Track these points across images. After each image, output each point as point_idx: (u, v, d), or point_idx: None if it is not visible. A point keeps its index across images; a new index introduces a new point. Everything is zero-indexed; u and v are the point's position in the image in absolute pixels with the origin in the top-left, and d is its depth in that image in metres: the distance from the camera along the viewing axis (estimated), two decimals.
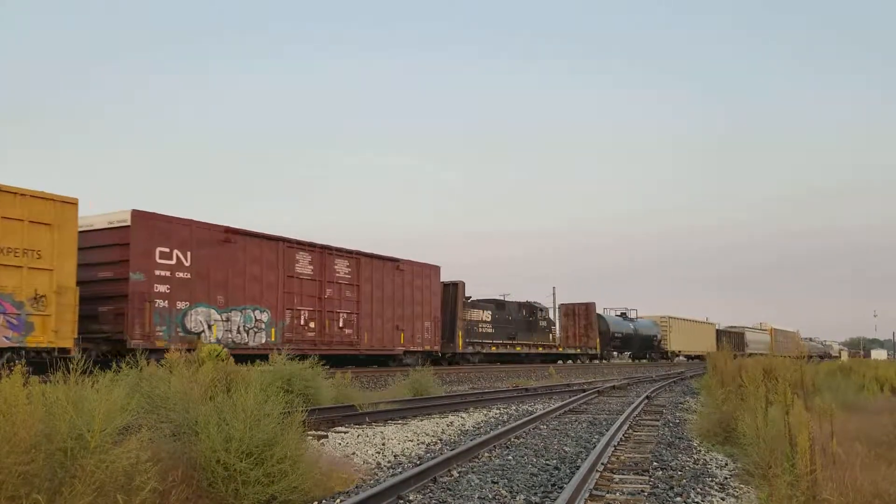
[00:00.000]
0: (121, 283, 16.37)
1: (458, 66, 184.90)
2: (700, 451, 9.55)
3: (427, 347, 27.15)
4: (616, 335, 47.46)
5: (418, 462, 8.19)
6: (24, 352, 13.35)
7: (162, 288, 16.97)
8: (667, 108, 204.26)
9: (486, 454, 8.85)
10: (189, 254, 17.77)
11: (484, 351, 32.04)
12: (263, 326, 19.84)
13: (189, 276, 17.69)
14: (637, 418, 13.40)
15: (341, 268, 23.12)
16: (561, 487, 6.77)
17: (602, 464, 7.86)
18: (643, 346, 52.29)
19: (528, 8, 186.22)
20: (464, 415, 13.80)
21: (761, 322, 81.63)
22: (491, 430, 11.24)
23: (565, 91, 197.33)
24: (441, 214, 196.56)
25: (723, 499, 6.60)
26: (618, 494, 6.59)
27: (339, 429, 10.74)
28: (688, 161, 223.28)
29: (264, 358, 14.14)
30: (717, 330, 67.48)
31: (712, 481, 7.36)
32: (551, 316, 42.62)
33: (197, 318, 17.83)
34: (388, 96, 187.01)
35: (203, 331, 17.89)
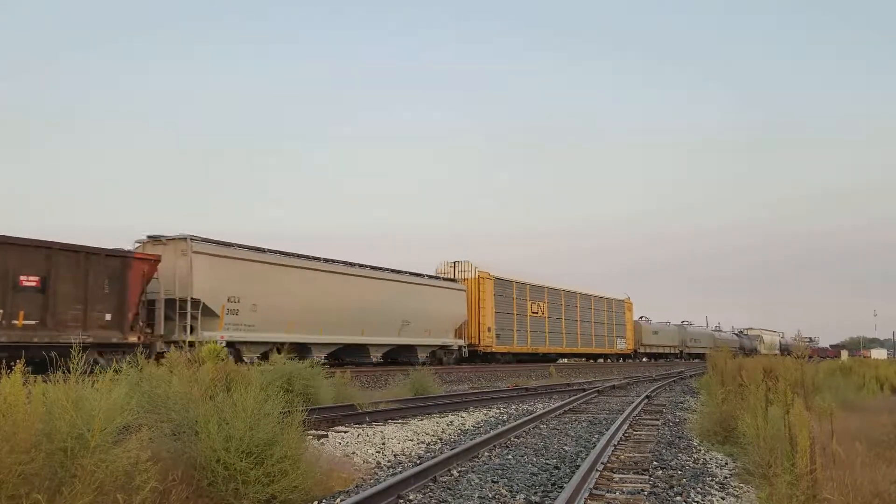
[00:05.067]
0: None
1: (455, 60, 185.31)
2: (700, 450, 9.55)
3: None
4: None
5: (418, 461, 8.19)
6: None
7: None
8: (679, 108, 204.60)
9: (486, 453, 8.85)
10: None
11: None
12: None
13: None
14: (637, 418, 13.41)
15: None
16: (561, 487, 6.77)
17: (602, 463, 7.86)
18: None
19: (549, 6, 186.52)
20: (464, 414, 13.80)
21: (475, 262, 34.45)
22: (491, 429, 11.24)
23: (579, 90, 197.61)
24: (454, 214, 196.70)
25: (723, 498, 6.60)
26: (618, 494, 6.59)
27: (339, 428, 10.74)
28: (697, 163, 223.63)
29: None
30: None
31: (712, 480, 7.36)
32: None
33: None
34: (419, 89, 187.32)
35: None
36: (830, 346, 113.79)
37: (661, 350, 58.60)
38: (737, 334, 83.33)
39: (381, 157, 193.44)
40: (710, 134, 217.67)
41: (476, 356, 33.30)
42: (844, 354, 75.09)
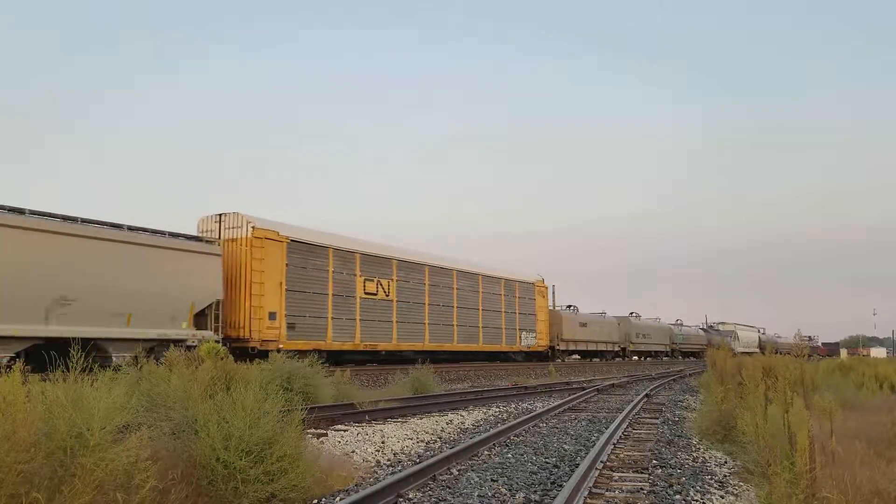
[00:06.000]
0: None
1: (462, 63, 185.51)
2: (699, 449, 9.56)
3: None
4: None
5: (418, 460, 8.19)
6: None
7: None
8: (675, 109, 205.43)
9: (486, 452, 8.85)
10: None
11: None
12: None
13: None
14: (636, 416, 13.41)
15: None
16: (560, 486, 6.77)
17: (602, 462, 7.86)
18: None
19: (550, 6, 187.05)
20: (463, 413, 13.80)
21: None
22: (490, 428, 11.24)
23: (580, 91, 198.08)
24: (454, 214, 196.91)
25: (722, 497, 6.60)
26: (617, 492, 6.59)
27: (339, 427, 10.74)
28: (694, 163, 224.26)
29: None
30: None
31: (712, 479, 7.36)
32: None
33: None
34: (410, 92, 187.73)
35: None
36: (823, 343, 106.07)
37: (591, 347, 45.49)
38: (704, 329, 72.17)
39: (378, 157, 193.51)
40: (709, 134, 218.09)
41: (246, 354, 19.54)
42: (844, 353, 74.76)
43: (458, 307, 31.37)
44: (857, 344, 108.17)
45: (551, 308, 41.50)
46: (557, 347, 40.64)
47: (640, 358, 53.60)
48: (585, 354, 45.66)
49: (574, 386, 22.37)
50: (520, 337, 36.15)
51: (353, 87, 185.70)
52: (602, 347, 47.36)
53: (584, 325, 44.70)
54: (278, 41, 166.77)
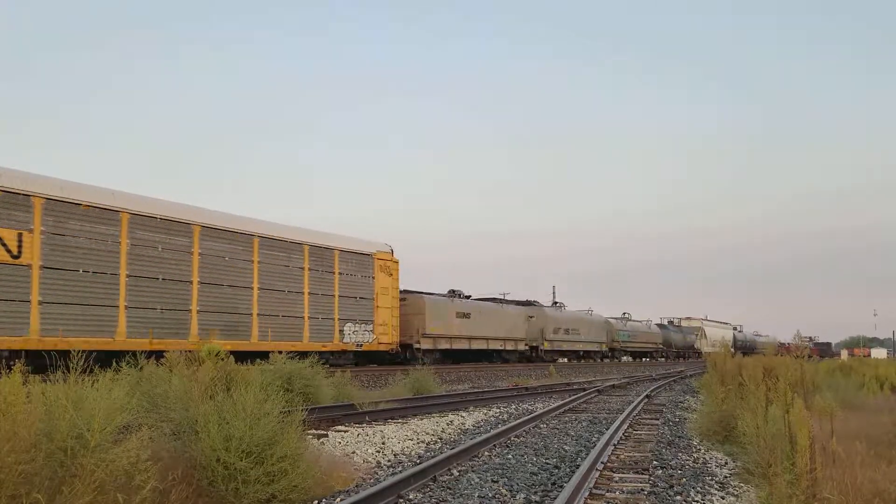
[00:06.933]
0: None
1: (462, 63, 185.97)
2: (700, 449, 9.55)
3: None
4: None
5: (418, 461, 8.19)
6: None
7: None
8: (673, 109, 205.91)
9: (487, 453, 8.85)
10: None
11: None
12: None
13: None
14: (637, 417, 13.41)
15: None
16: (561, 486, 6.77)
17: (602, 462, 7.85)
18: None
19: (550, 6, 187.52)
20: (464, 414, 13.80)
21: None
22: (491, 428, 11.24)
23: (578, 91, 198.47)
24: (454, 213, 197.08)
25: (723, 497, 6.60)
26: (618, 493, 6.59)
27: (339, 428, 10.74)
28: (697, 163, 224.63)
29: None
30: None
31: (712, 480, 7.36)
32: None
33: None
34: (402, 88, 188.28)
35: None
36: (815, 343, 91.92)
37: (477, 345, 32.65)
38: (661, 325, 61.47)
39: (378, 157, 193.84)
40: (710, 134, 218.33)
41: None
42: (844, 354, 74.43)
43: (202, 283, 19.40)
44: (857, 344, 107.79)
45: (415, 295, 29.75)
46: (417, 346, 28.46)
47: (568, 360, 41.82)
48: (469, 356, 32.67)
49: (575, 387, 22.38)
50: (341, 331, 24.43)
51: (354, 87, 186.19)
52: (497, 346, 34.53)
53: (464, 315, 32.08)
54: (305, 34, 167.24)
